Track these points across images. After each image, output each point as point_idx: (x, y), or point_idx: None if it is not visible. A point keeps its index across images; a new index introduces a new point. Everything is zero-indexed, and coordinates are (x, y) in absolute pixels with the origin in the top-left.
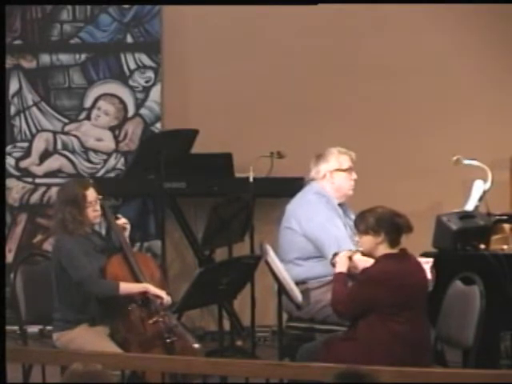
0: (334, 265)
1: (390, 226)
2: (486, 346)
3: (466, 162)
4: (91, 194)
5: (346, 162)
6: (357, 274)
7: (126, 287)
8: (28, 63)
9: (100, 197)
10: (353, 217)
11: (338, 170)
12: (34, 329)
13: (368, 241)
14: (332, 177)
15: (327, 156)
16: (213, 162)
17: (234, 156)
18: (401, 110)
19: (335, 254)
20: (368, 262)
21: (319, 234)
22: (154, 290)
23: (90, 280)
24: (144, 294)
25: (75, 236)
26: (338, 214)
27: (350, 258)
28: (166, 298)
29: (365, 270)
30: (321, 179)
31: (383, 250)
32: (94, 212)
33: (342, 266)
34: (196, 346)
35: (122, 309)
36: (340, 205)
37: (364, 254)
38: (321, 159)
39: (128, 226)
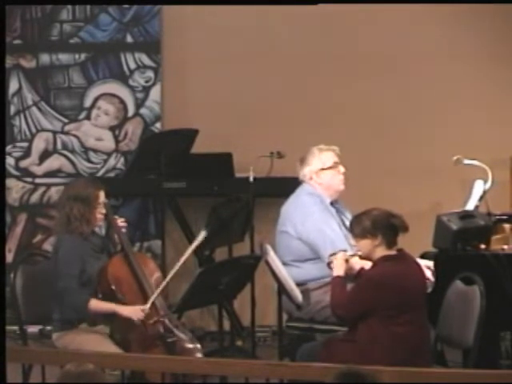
0: (330, 266)
1: (387, 227)
2: (485, 346)
3: (466, 161)
4: (103, 195)
5: (329, 160)
6: (355, 276)
7: (96, 305)
8: (28, 63)
9: (106, 200)
10: (348, 215)
11: (321, 169)
12: (33, 329)
13: (366, 244)
14: (318, 177)
15: (308, 158)
16: (213, 162)
17: (234, 156)
18: (401, 109)
19: (332, 255)
20: (365, 263)
21: (314, 236)
22: (122, 311)
23: (67, 291)
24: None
25: (76, 235)
26: (331, 214)
27: (347, 261)
28: (137, 316)
29: (364, 272)
30: (309, 181)
31: (381, 251)
32: (100, 214)
33: (339, 270)
34: (196, 346)
35: None
36: (333, 203)
37: (362, 257)
38: (303, 162)
39: (124, 230)
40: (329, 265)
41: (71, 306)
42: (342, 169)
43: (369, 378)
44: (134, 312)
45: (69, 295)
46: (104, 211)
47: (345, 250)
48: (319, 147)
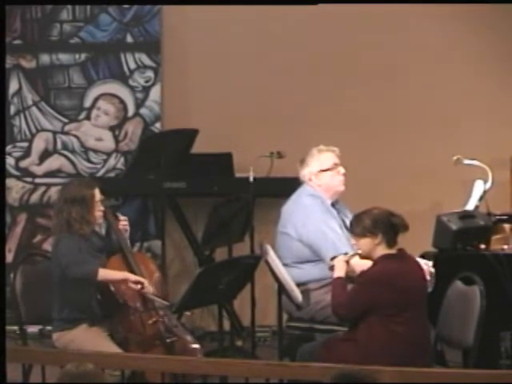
0: (332, 269)
1: (387, 226)
2: (486, 346)
3: (466, 161)
4: (97, 193)
5: (328, 161)
6: (356, 277)
7: (106, 274)
8: (28, 63)
9: (102, 197)
10: (349, 214)
11: (321, 170)
12: (33, 329)
13: (366, 243)
14: (317, 178)
15: (307, 159)
16: (213, 162)
17: (234, 156)
18: (401, 110)
19: (333, 259)
20: (365, 264)
21: (315, 238)
22: (134, 277)
23: (72, 264)
24: (125, 283)
25: (77, 235)
26: (332, 215)
27: (348, 263)
28: (148, 286)
29: (364, 271)
30: (308, 182)
31: (381, 250)
32: (99, 212)
33: (339, 271)
34: (196, 346)
35: (121, 309)
36: (334, 204)
37: (362, 256)
38: (303, 163)
39: (128, 227)
40: (331, 268)
41: (80, 276)
42: (341, 170)
43: (366, 380)
44: (144, 280)
45: (75, 267)
46: (102, 208)
47: (346, 253)
48: (319, 148)
